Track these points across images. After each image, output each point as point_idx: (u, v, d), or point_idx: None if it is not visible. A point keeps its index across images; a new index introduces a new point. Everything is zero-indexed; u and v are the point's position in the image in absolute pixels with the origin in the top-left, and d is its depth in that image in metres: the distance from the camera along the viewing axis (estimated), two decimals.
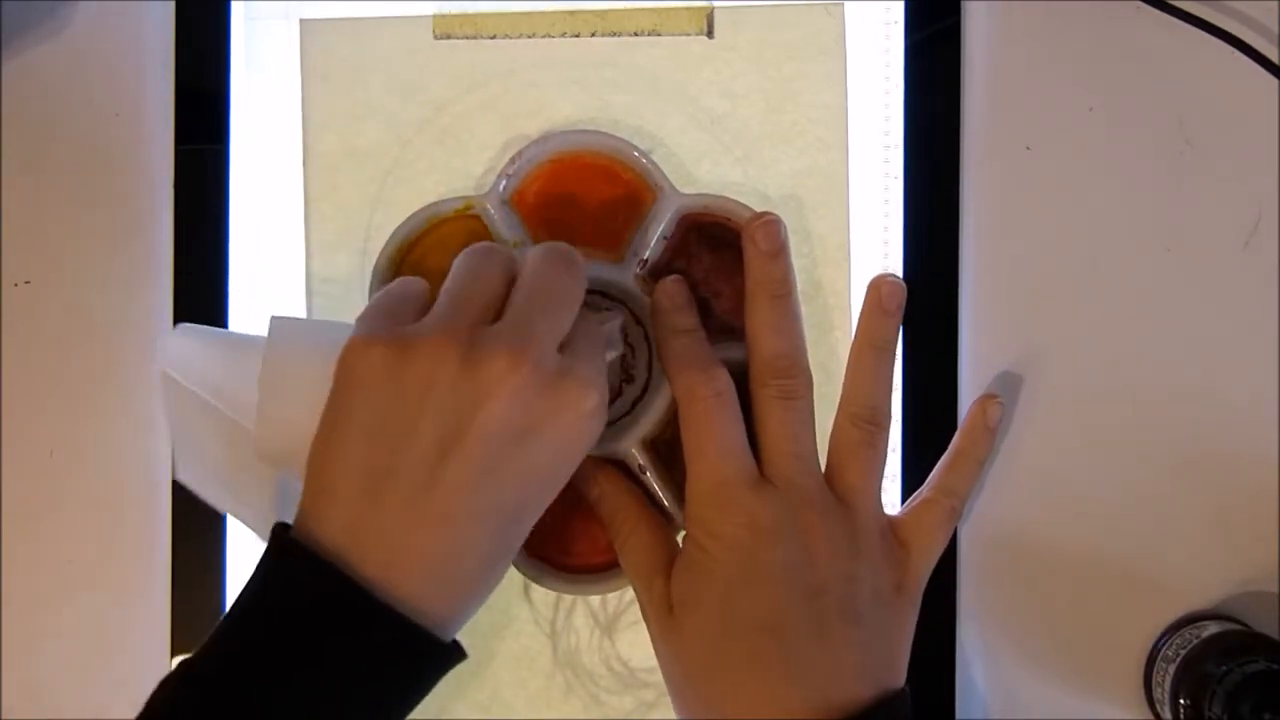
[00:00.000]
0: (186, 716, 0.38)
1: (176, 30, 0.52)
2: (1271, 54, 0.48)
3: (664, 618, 0.45)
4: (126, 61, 0.53)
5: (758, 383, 0.46)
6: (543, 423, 0.40)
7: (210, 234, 0.52)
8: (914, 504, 0.48)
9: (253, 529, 0.47)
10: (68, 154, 0.53)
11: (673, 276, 0.48)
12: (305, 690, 0.38)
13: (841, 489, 0.46)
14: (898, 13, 0.50)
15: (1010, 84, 0.50)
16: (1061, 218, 0.50)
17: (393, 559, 0.39)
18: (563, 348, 0.41)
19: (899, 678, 0.45)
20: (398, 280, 0.45)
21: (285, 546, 0.40)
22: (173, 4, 0.52)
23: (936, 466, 0.49)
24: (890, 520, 0.47)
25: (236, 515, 0.48)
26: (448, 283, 0.43)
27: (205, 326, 0.49)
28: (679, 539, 0.47)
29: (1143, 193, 0.50)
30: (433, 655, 0.40)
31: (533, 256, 0.43)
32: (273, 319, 0.45)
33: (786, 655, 0.43)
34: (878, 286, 0.48)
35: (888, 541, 0.46)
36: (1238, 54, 0.48)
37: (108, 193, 0.53)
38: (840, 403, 0.48)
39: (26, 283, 0.53)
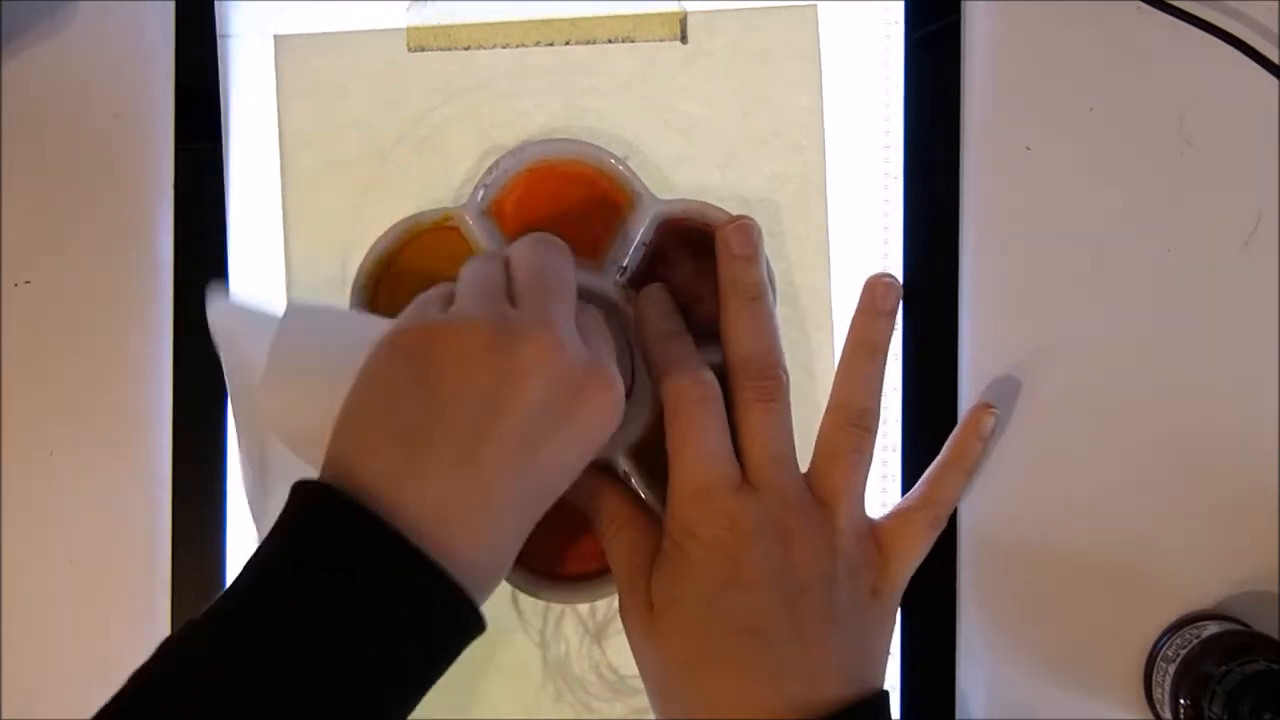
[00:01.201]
0: (213, 654, 0.37)
1: (176, 30, 0.52)
2: (1271, 54, 0.48)
3: (643, 616, 0.45)
4: (126, 61, 0.53)
5: (736, 386, 0.46)
6: (574, 406, 0.40)
7: (210, 234, 0.52)
8: (898, 511, 0.48)
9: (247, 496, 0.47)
10: (68, 154, 0.53)
11: (656, 284, 0.48)
12: (342, 633, 0.37)
13: (824, 491, 0.46)
14: (898, 12, 0.50)
15: (1010, 84, 0.50)
16: (1061, 218, 0.50)
17: (427, 523, 0.38)
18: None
19: (879, 680, 0.45)
20: (431, 290, 0.44)
21: (323, 497, 0.38)
22: (173, 4, 0.52)
23: (925, 474, 0.49)
24: (872, 525, 0.47)
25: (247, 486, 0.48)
26: (460, 285, 0.43)
27: (236, 300, 0.49)
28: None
29: (1143, 192, 0.50)
30: (466, 616, 0.39)
31: (520, 246, 0.44)
32: (289, 305, 0.45)
33: (768, 655, 0.43)
34: (873, 287, 0.48)
35: (866, 545, 0.46)
36: (1238, 54, 0.48)
37: (108, 193, 0.53)
38: (829, 404, 0.48)
39: (27, 283, 0.53)
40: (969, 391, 0.50)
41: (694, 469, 0.45)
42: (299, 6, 0.52)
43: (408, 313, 0.43)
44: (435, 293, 0.44)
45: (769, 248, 0.49)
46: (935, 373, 0.50)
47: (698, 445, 0.45)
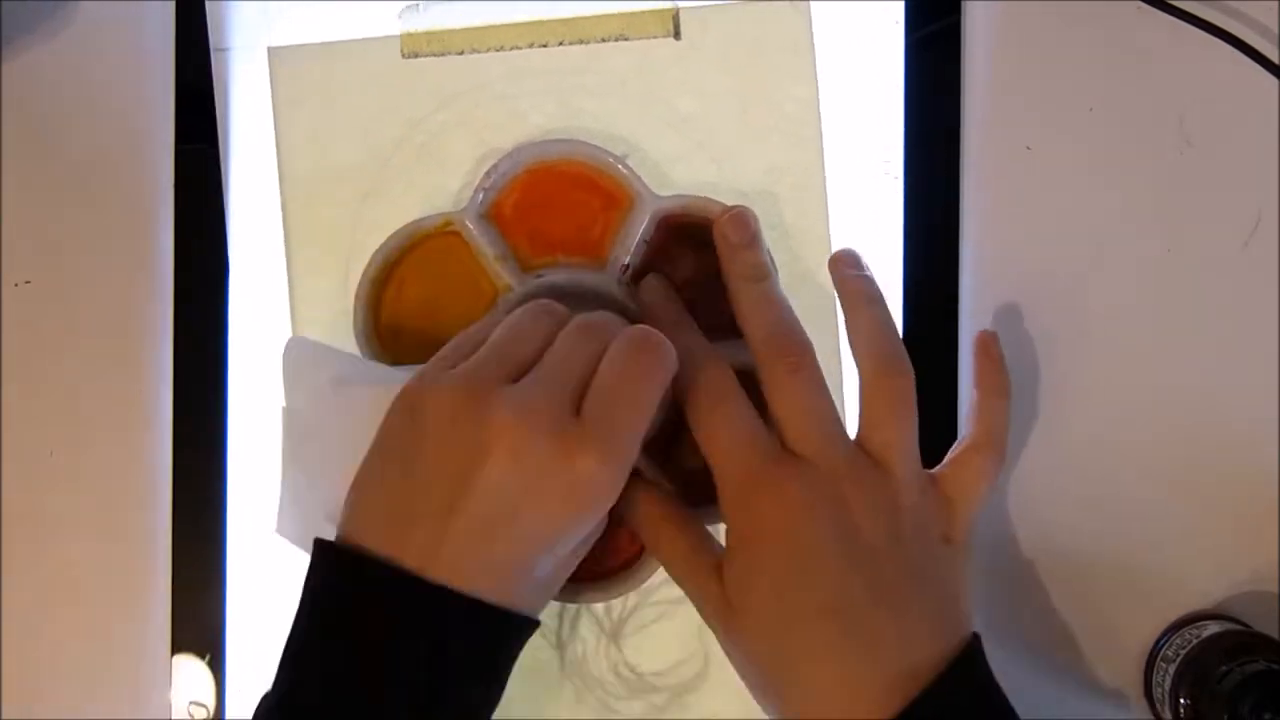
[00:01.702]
0: None
1: (177, 34, 0.52)
2: (1271, 54, 0.48)
3: (727, 619, 0.43)
4: (126, 61, 0.53)
5: (763, 364, 0.45)
6: (542, 485, 0.39)
7: (210, 235, 0.52)
8: (958, 455, 0.47)
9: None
10: (68, 154, 0.53)
11: (654, 274, 0.48)
12: (413, 689, 0.39)
13: (876, 448, 0.44)
14: (898, 12, 0.50)
15: (1010, 84, 0.50)
16: (1062, 218, 0.50)
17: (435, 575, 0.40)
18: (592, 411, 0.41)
19: (967, 624, 0.43)
20: (464, 333, 0.45)
21: (343, 560, 0.41)
22: (173, 4, 0.52)
23: (969, 413, 0.48)
24: (931, 476, 0.46)
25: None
26: (490, 337, 0.43)
27: (314, 342, 0.50)
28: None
29: (1143, 193, 0.50)
30: (511, 624, 0.41)
31: (572, 329, 0.43)
32: (357, 389, 0.45)
33: (852, 633, 0.41)
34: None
35: (929, 496, 0.45)
36: (1238, 54, 0.48)
37: (108, 193, 0.53)
38: (857, 364, 0.46)
39: (27, 283, 0.53)
40: (969, 391, 0.50)
41: (730, 456, 0.44)
42: (293, 14, 0.51)
43: (423, 367, 0.43)
44: (462, 339, 0.44)
45: (770, 240, 0.49)
46: (935, 372, 0.50)
47: (726, 431, 0.44)
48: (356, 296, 0.49)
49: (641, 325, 0.43)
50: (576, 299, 0.49)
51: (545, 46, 0.51)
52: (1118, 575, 0.50)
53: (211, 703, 0.51)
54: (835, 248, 0.50)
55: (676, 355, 0.43)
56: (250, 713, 0.40)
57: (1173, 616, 0.49)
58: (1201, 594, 0.49)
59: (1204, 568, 0.49)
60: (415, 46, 0.51)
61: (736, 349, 0.48)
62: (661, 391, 0.42)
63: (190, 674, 0.51)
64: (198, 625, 0.52)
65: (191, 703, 0.51)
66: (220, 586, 0.51)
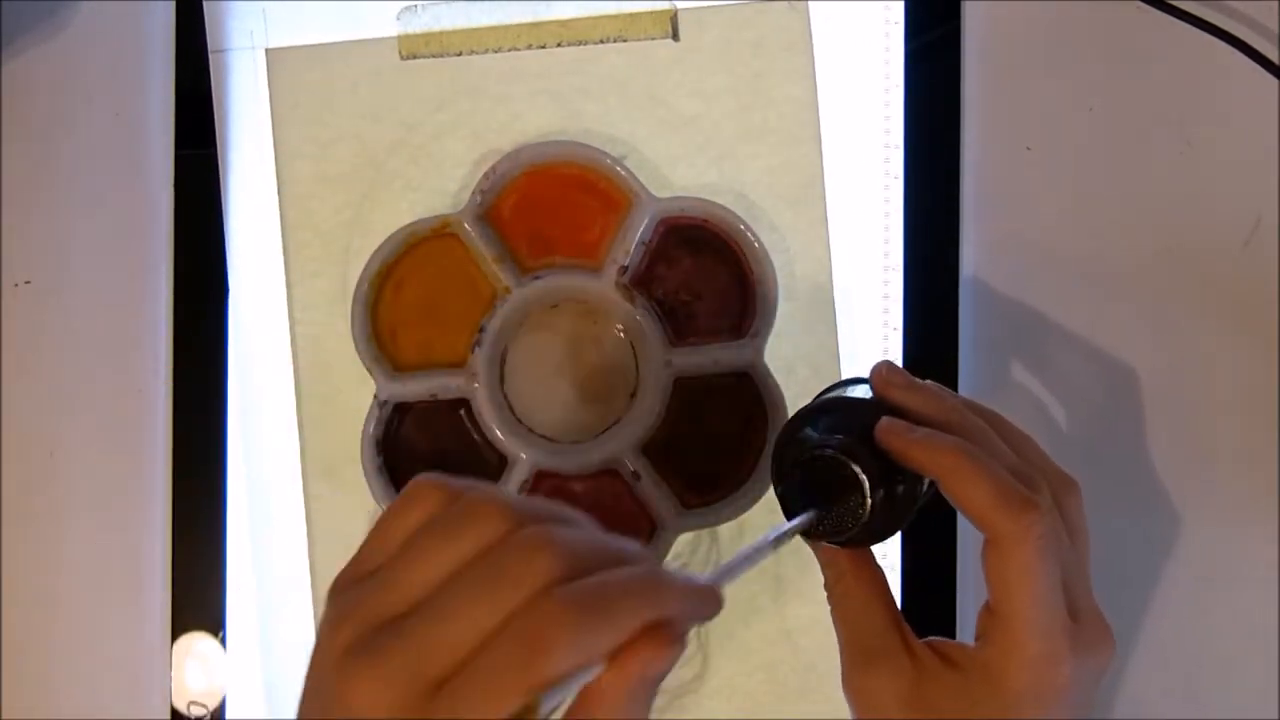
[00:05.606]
0: None
1: (176, 30, 0.52)
2: (1271, 54, 0.48)
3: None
4: (126, 61, 0.53)
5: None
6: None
7: (209, 236, 0.52)
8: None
9: None
10: (68, 154, 0.53)
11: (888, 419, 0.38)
12: None
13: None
14: (897, 13, 0.50)
15: (1010, 84, 0.50)
16: (1061, 218, 0.50)
17: None
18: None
19: None
20: None
21: None
22: (173, 4, 0.53)
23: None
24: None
25: None
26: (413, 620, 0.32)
27: None
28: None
29: (1143, 193, 0.50)
30: None
31: None
32: None
33: None
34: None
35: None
36: (1238, 54, 0.48)
37: (108, 193, 0.53)
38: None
39: (27, 283, 0.53)
40: (969, 391, 0.50)
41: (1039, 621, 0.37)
42: (291, 16, 0.51)
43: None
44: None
45: (769, 242, 0.49)
46: (935, 373, 0.50)
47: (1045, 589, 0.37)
48: (355, 298, 0.49)
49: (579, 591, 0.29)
50: (574, 301, 0.49)
51: (543, 48, 0.51)
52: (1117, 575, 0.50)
53: (212, 701, 0.51)
54: (835, 248, 0.50)
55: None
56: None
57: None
58: (1200, 592, 0.49)
59: (1202, 565, 0.49)
60: (413, 48, 0.51)
61: (737, 350, 0.48)
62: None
63: (191, 672, 0.52)
64: (198, 625, 0.52)
65: (191, 702, 0.51)
66: (220, 587, 0.51)
